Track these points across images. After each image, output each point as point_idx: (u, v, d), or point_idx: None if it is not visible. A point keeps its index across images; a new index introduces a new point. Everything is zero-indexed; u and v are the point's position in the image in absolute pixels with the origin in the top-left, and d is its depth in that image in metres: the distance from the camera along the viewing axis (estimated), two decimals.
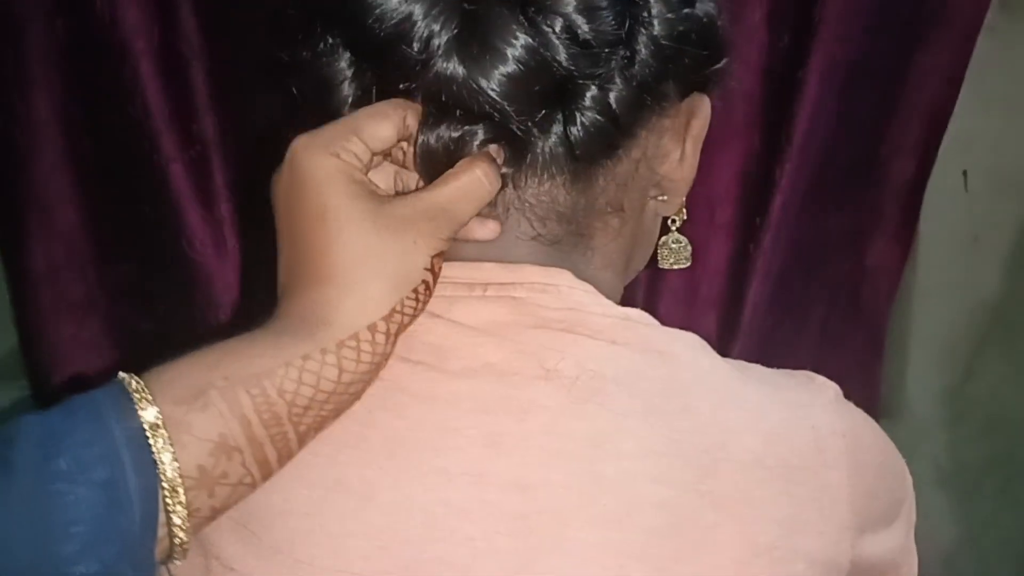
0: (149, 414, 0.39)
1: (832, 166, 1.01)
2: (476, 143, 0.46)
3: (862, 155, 1.04)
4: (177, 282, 1.00)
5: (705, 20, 0.50)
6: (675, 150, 0.53)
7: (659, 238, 0.59)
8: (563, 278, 0.50)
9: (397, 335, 0.45)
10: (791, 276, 1.04)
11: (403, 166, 0.50)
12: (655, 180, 0.54)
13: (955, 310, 1.24)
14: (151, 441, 0.39)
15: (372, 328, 0.43)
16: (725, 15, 0.52)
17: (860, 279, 1.09)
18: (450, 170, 0.46)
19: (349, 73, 0.49)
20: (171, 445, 0.39)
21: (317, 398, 0.43)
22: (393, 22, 0.44)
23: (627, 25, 0.46)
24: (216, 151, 0.95)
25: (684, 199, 0.56)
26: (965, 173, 1.18)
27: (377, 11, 0.45)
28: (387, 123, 0.46)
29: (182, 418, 0.40)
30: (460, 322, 0.48)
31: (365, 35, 0.46)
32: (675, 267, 0.59)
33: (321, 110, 0.49)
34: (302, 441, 0.44)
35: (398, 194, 0.48)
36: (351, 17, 0.46)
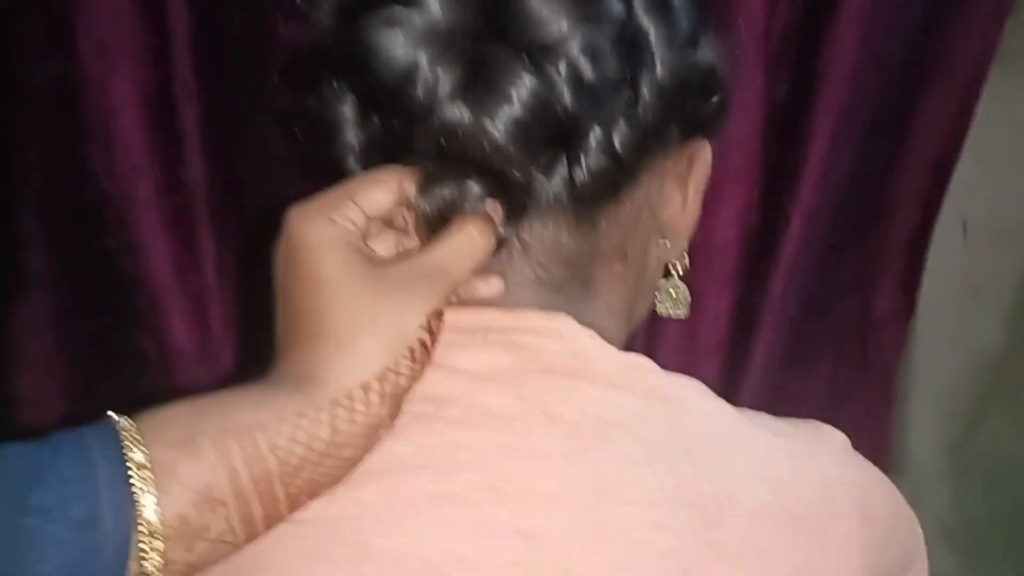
0: (137, 455, 0.38)
1: (839, 216, 1.00)
2: (472, 200, 0.46)
3: (868, 204, 1.03)
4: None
5: (706, 65, 0.51)
6: (677, 195, 0.53)
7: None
8: (566, 323, 0.49)
9: (394, 397, 0.44)
10: (798, 329, 1.03)
11: (404, 232, 0.50)
12: (657, 225, 0.53)
13: (957, 363, 1.23)
14: (134, 482, 0.38)
15: (365, 387, 0.43)
16: (725, 61, 0.52)
17: (868, 331, 1.08)
18: (445, 230, 0.46)
19: (353, 119, 0.49)
20: (155, 489, 0.38)
21: (310, 458, 0.42)
22: (398, 67, 0.45)
23: (631, 68, 0.46)
24: (203, 202, 0.93)
25: (686, 245, 0.55)
26: (964, 224, 1.18)
27: (384, 58, 0.45)
28: (383, 189, 0.46)
29: (170, 463, 0.39)
30: (460, 369, 0.47)
31: (372, 82, 0.46)
32: (673, 315, 0.59)
33: (325, 159, 0.49)
34: (292, 504, 0.43)
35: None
36: (358, 64, 0.46)
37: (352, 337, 0.43)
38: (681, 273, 0.58)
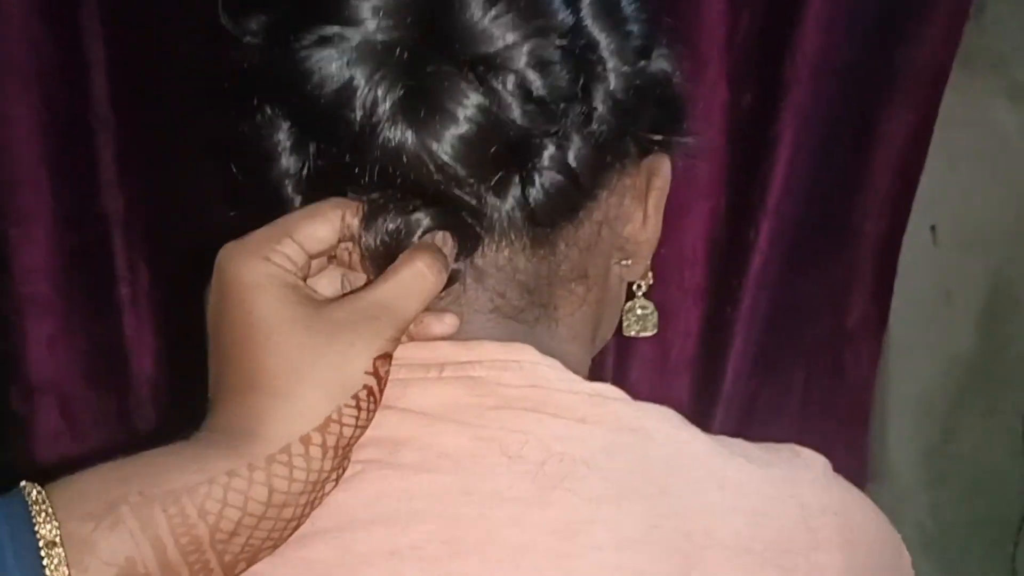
0: (47, 530, 0.35)
1: (807, 225, 0.99)
2: (419, 232, 0.43)
3: (836, 213, 1.03)
4: None
5: (661, 76, 0.49)
6: (637, 211, 0.51)
7: (624, 304, 0.56)
8: (525, 353, 0.46)
9: (338, 449, 0.41)
10: (771, 339, 1.02)
11: (350, 268, 0.47)
12: (618, 243, 0.51)
13: (931, 368, 1.22)
14: (44, 561, 0.34)
15: (305, 440, 0.39)
16: (682, 72, 0.50)
17: (841, 341, 1.07)
18: (391, 265, 0.43)
19: (289, 144, 0.46)
20: (67, 567, 0.34)
21: (245, 522, 0.38)
22: (334, 88, 0.42)
23: (582, 80, 0.44)
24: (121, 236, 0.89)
25: (649, 263, 0.53)
26: (933, 228, 1.17)
27: (316, 78, 0.42)
28: (324, 223, 0.43)
29: (86, 537, 0.35)
30: (414, 409, 0.44)
31: (305, 103, 0.43)
32: (641, 335, 0.56)
33: (260, 187, 0.46)
34: (228, 572, 0.39)
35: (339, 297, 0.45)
36: (290, 85, 0.43)
37: (289, 386, 0.39)
38: (645, 291, 0.55)
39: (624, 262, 0.52)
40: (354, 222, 0.44)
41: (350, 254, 0.45)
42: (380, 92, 0.41)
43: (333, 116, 0.42)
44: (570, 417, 0.45)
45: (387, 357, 0.42)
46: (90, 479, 0.37)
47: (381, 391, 0.42)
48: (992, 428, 1.23)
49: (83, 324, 0.91)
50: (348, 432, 0.41)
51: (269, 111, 0.45)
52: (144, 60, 0.85)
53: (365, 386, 0.41)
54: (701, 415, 1.00)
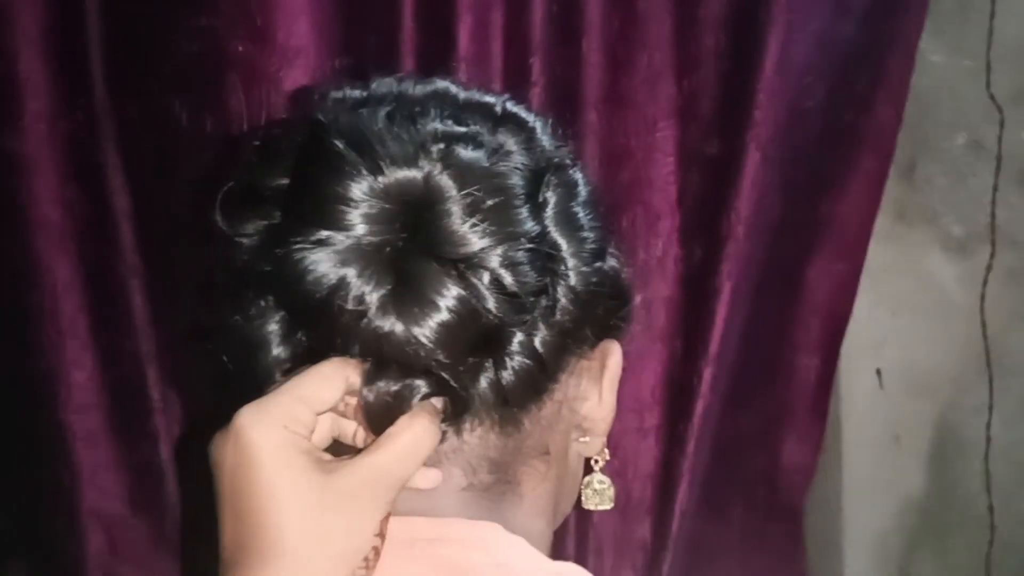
0: None
1: (743, 369, 1.04)
2: (417, 397, 0.46)
3: (769, 356, 1.08)
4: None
5: (612, 273, 0.53)
6: (593, 392, 0.54)
7: (583, 479, 0.59)
8: (492, 532, 0.49)
9: None
10: (713, 480, 1.05)
11: (343, 415, 0.49)
12: (576, 421, 0.54)
13: (884, 510, 1.25)
14: None
15: None
16: (629, 268, 0.55)
17: (775, 476, 1.11)
18: (391, 428, 0.46)
19: (281, 334, 0.49)
20: None
21: None
22: (328, 285, 0.45)
23: (547, 278, 0.48)
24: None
25: (605, 439, 0.56)
26: (879, 372, 1.22)
27: (311, 277, 0.45)
28: (330, 386, 0.46)
29: None
30: None
31: (299, 298, 0.46)
32: (599, 508, 0.59)
33: (249, 372, 0.48)
34: None
35: (340, 453, 0.47)
36: (285, 282, 0.46)
37: (307, 559, 0.42)
38: (602, 466, 0.58)
39: (582, 439, 0.55)
40: (356, 380, 0.46)
41: (346, 404, 0.48)
42: (369, 287, 0.45)
43: (326, 310, 0.45)
44: None
45: (389, 515, 0.45)
46: None
47: (383, 542, 0.45)
48: (945, 568, 1.24)
49: (124, 453, 0.96)
50: None
51: (263, 303, 0.48)
52: (165, 204, 0.91)
53: (373, 547, 0.44)
54: (653, 557, 1.02)
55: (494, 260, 0.45)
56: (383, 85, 0.52)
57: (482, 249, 0.45)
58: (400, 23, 0.85)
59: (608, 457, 0.58)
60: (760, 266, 1.01)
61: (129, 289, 0.92)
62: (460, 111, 0.49)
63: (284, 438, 0.43)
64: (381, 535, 0.45)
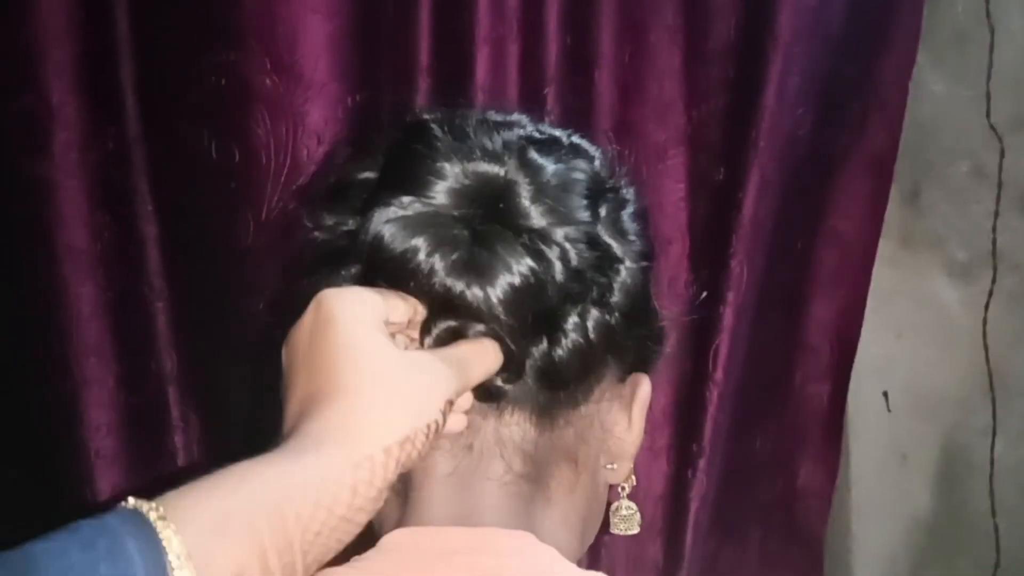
0: (175, 545, 0.37)
1: (752, 392, 1.06)
2: (475, 331, 0.50)
3: (778, 380, 1.10)
4: None
5: (654, 311, 0.57)
6: (623, 418, 0.57)
7: (610, 505, 0.61)
8: (527, 542, 0.51)
9: (401, 468, 0.45)
10: (727, 502, 1.07)
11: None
12: (607, 445, 0.57)
13: (892, 529, 1.26)
14: (176, 574, 0.36)
15: (387, 451, 0.43)
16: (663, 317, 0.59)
17: (793, 500, 1.12)
18: (461, 341, 0.49)
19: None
20: None
21: (328, 523, 0.42)
22: (406, 245, 0.49)
23: (604, 264, 0.52)
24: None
25: (632, 465, 0.59)
26: (886, 394, 1.24)
27: (389, 233, 0.49)
28: (403, 301, 0.49)
29: (205, 549, 0.38)
30: None
31: (377, 256, 0.50)
32: (627, 533, 0.61)
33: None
34: (306, 573, 0.42)
35: None
36: (367, 242, 0.50)
37: (383, 397, 0.44)
38: (629, 493, 0.61)
39: (610, 465, 0.58)
40: (422, 315, 0.50)
41: (406, 347, 0.51)
42: (443, 250, 0.49)
43: (402, 267, 0.49)
44: None
45: (451, 404, 0.47)
46: (198, 493, 0.39)
47: (439, 432, 0.47)
48: None
49: (143, 472, 0.98)
50: (415, 456, 0.45)
51: (343, 272, 0.53)
52: (191, 231, 0.93)
53: (435, 420, 0.46)
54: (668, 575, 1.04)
55: (559, 235, 0.50)
56: (470, 111, 0.57)
57: (548, 224, 0.50)
58: (418, 54, 0.89)
59: (635, 483, 0.60)
60: (765, 290, 1.03)
61: (154, 312, 0.95)
62: (536, 131, 0.54)
63: (363, 309, 0.46)
64: (443, 416, 0.46)
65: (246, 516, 0.39)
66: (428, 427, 0.45)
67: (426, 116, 0.53)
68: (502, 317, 0.49)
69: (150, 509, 0.38)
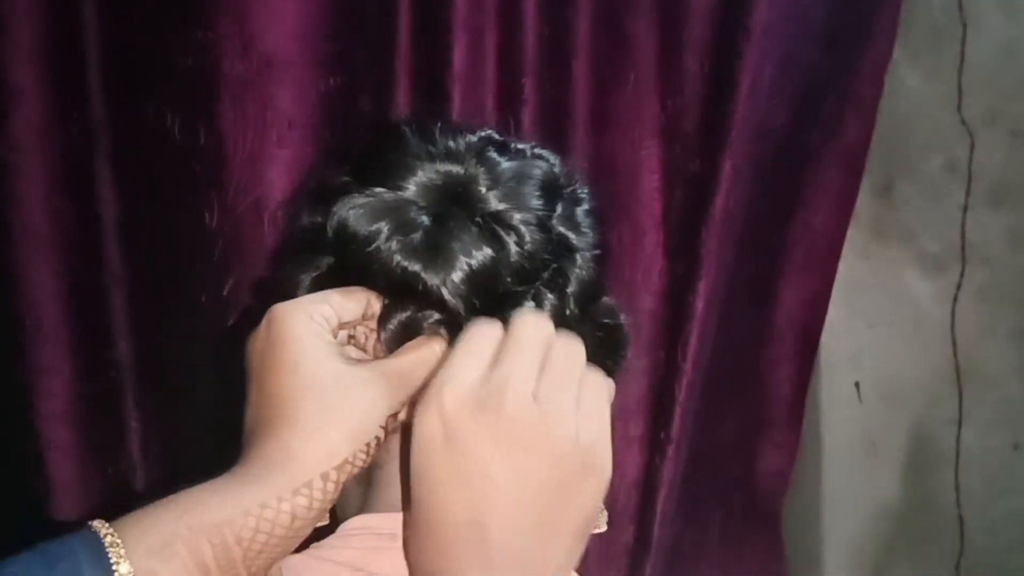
0: (124, 568, 0.41)
1: (720, 379, 1.08)
2: (428, 322, 0.52)
3: (746, 367, 1.12)
4: None
5: (612, 311, 0.58)
6: None
7: None
8: None
9: (341, 484, 0.47)
10: (692, 487, 1.08)
11: (363, 349, 0.54)
12: None
13: (861, 517, 1.28)
14: None
15: (325, 476, 0.46)
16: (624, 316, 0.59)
17: (752, 482, 1.14)
18: (409, 343, 0.51)
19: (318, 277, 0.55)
20: None
21: (270, 543, 0.45)
22: (370, 228, 0.51)
23: (559, 251, 0.54)
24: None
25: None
26: (857, 384, 1.26)
27: (354, 216, 0.51)
28: (354, 300, 0.51)
29: (151, 570, 0.41)
30: (382, 574, 0.49)
31: (342, 239, 0.52)
32: (594, 532, 0.62)
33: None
34: None
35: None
36: (335, 227, 0.52)
37: (321, 426, 0.46)
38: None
39: None
40: (377, 306, 0.52)
41: (366, 337, 0.53)
42: (403, 233, 0.51)
43: (362, 248, 0.51)
44: None
45: (395, 416, 0.49)
46: (149, 518, 0.43)
47: (384, 441, 0.49)
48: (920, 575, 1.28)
49: (99, 463, 0.96)
50: (354, 472, 0.48)
51: (316, 263, 0.54)
52: (154, 216, 0.92)
53: (376, 437, 0.48)
54: (636, 561, 1.05)
55: (515, 219, 0.52)
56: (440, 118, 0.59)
57: (505, 209, 0.52)
58: (396, 41, 0.89)
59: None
60: (735, 280, 1.05)
61: (112, 298, 0.93)
62: (498, 136, 0.57)
63: (311, 326, 0.48)
64: (385, 431, 0.48)
65: (191, 540, 0.43)
66: (368, 445, 0.48)
67: (397, 120, 0.56)
68: (459, 299, 0.50)
69: (107, 533, 0.42)
